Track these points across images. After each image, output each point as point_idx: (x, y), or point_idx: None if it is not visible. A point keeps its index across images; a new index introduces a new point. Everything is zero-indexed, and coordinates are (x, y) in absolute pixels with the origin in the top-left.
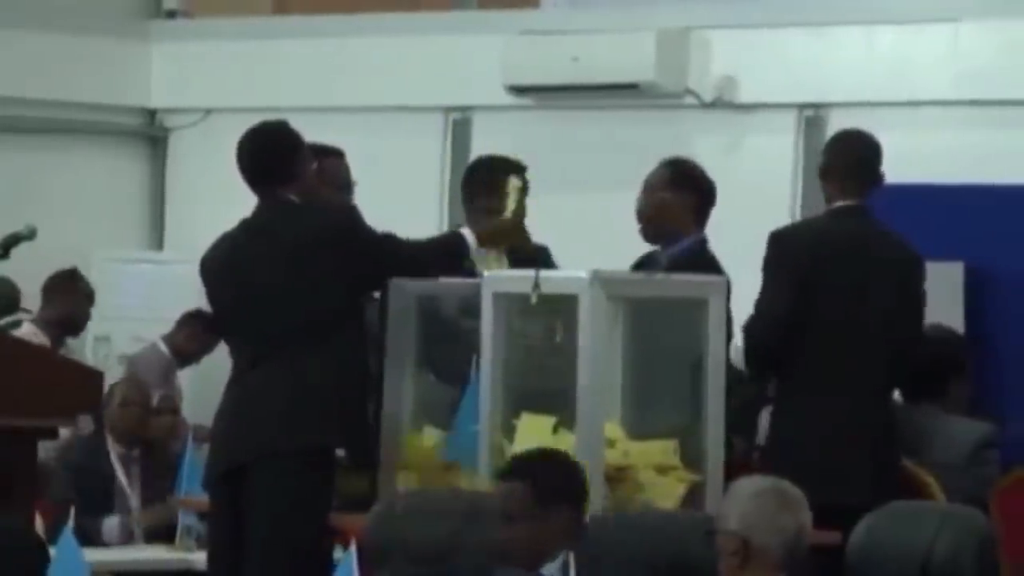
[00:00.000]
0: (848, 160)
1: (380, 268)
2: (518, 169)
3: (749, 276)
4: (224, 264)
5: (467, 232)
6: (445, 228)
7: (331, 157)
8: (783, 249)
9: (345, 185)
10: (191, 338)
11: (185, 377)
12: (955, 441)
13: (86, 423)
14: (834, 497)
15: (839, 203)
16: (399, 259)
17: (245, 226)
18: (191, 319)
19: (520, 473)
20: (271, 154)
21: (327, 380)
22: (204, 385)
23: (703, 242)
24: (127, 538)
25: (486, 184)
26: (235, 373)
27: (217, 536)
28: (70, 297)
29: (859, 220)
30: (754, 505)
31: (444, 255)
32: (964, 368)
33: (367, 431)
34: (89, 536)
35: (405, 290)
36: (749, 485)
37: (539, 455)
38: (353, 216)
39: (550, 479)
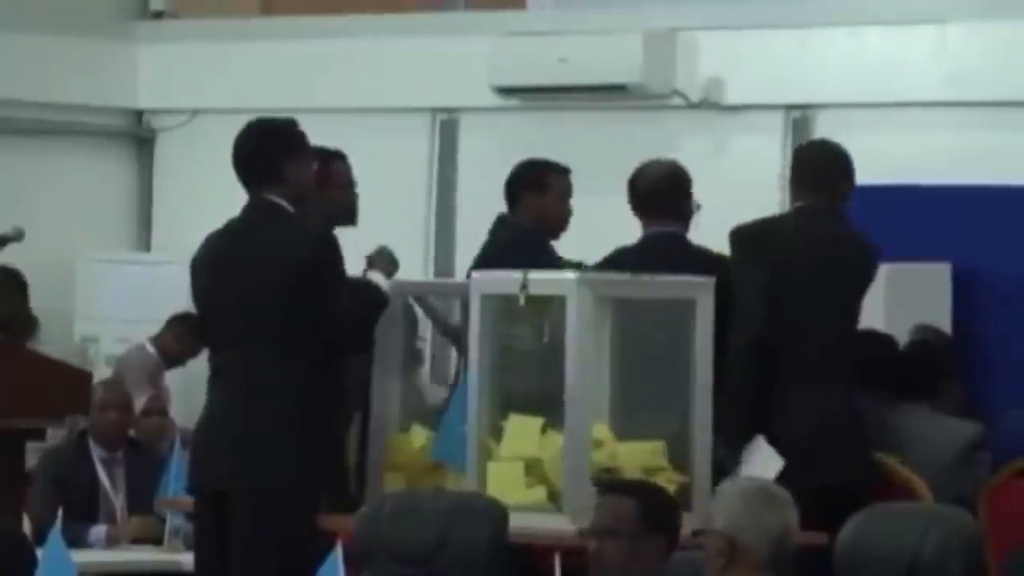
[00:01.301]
0: (804, 172)
1: (324, 327)
2: (562, 169)
3: None
4: (204, 264)
5: (376, 275)
6: (433, 229)
7: (335, 160)
8: (750, 246)
9: (349, 185)
10: (178, 340)
11: (173, 379)
12: (945, 441)
13: (73, 423)
14: (825, 479)
15: (800, 203)
16: (341, 330)
17: (227, 227)
18: (179, 321)
19: (629, 491)
20: (255, 153)
21: (292, 409)
22: (192, 387)
23: (644, 239)
24: (113, 547)
25: (532, 183)
26: (210, 376)
27: (202, 547)
28: None
29: (822, 219)
30: (739, 505)
31: (374, 312)
32: (953, 369)
33: (340, 470)
34: (74, 544)
35: (393, 290)
36: (735, 485)
37: (643, 481)
38: (322, 259)
39: (657, 504)
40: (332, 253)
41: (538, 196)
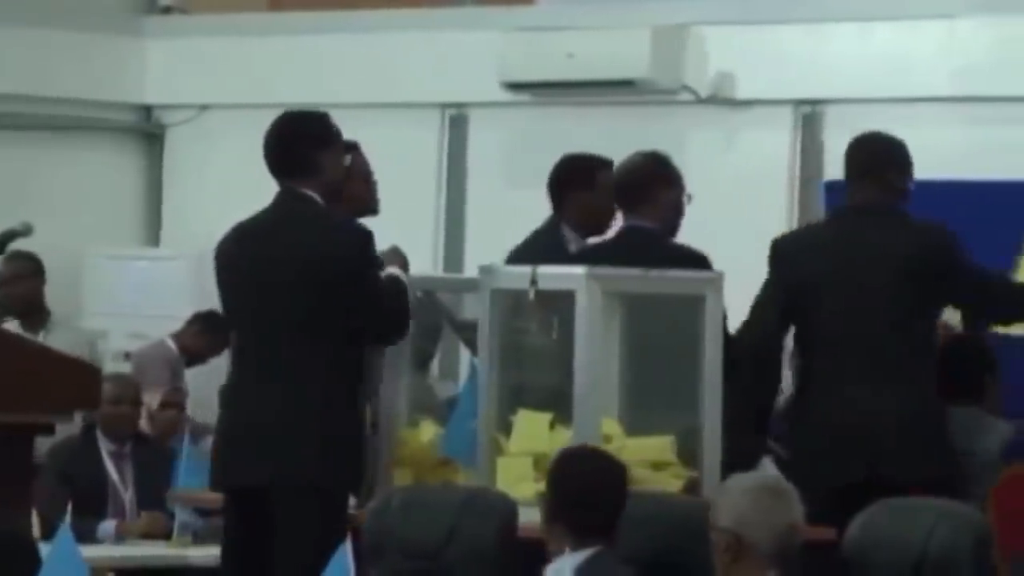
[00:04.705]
0: (850, 163)
1: (366, 324)
2: (610, 165)
3: (745, 271)
4: (234, 256)
5: (394, 270)
6: (443, 225)
7: (354, 151)
8: (774, 260)
9: (369, 175)
10: (199, 337)
11: (188, 375)
12: (995, 438)
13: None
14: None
15: (855, 199)
16: (383, 323)
17: (258, 218)
18: (201, 318)
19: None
20: (285, 146)
21: (329, 406)
22: (206, 383)
23: (617, 235)
24: (121, 542)
25: (583, 181)
26: (237, 371)
27: (233, 543)
28: None
29: (872, 216)
30: (745, 501)
31: (406, 305)
32: (995, 362)
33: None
34: (83, 538)
35: None
36: (741, 481)
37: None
38: (362, 252)
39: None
40: (370, 246)
41: (584, 192)
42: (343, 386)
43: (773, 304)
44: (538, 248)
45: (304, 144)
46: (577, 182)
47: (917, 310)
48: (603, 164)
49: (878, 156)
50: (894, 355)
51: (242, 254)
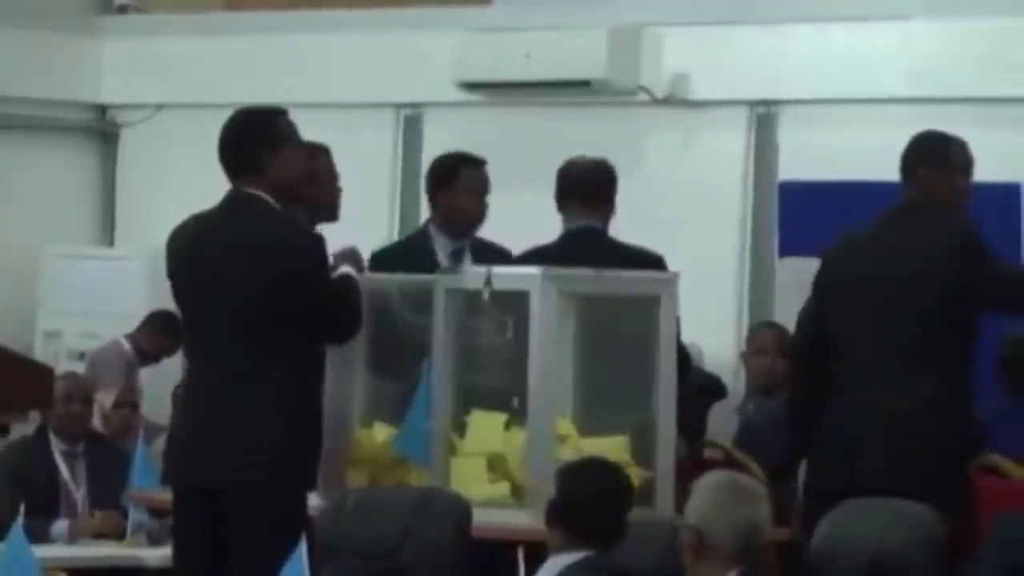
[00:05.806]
0: (901, 163)
1: (317, 323)
2: (476, 163)
3: (699, 271)
4: (183, 254)
5: (348, 269)
6: (397, 224)
7: (319, 156)
8: (820, 258)
9: (332, 180)
10: (154, 338)
11: (142, 375)
12: None
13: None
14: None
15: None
16: (336, 328)
17: (206, 217)
18: (156, 318)
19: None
20: (234, 144)
21: (288, 406)
22: (160, 382)
23: (567, 236)
24: (74, 542)
25: (445, 179)
26: (193, 370)
27: (187, 542)
28: None
29: (907, 217)
30: (708, 499)
31: (358, 305)
32: None
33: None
34: (37, 538)
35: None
36: (709, 480)
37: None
38: (309, 254)
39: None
40: (315, 245)
41: (447, 190)
42: (301, 384)
43: (811, 305)
44: (400, 250)
45: (250, 143)
46: (440, 180)
47: (940, 313)
48: (469, 161)
49: (912, 154)
50: (902, 358)
51: (188, 249)
